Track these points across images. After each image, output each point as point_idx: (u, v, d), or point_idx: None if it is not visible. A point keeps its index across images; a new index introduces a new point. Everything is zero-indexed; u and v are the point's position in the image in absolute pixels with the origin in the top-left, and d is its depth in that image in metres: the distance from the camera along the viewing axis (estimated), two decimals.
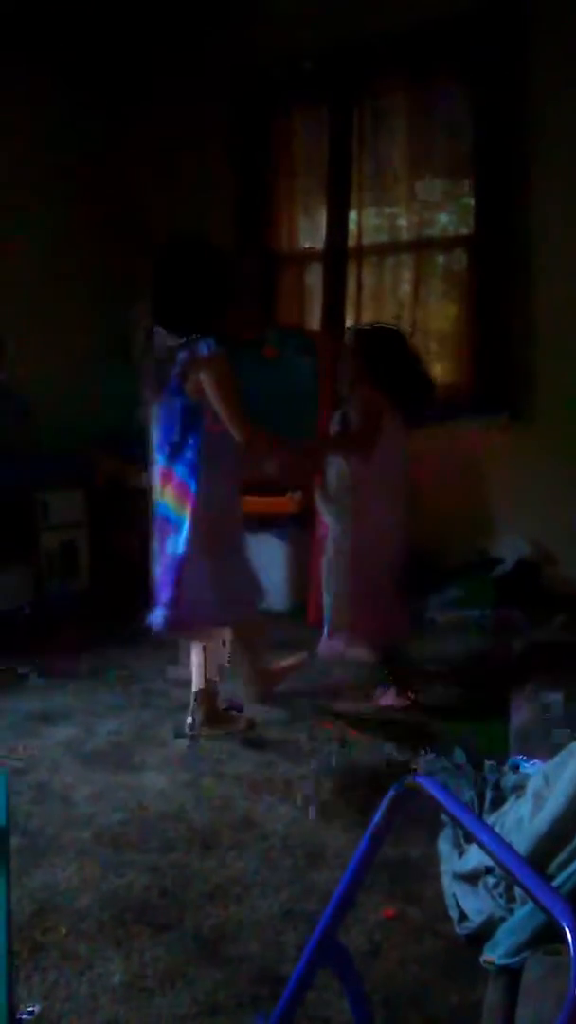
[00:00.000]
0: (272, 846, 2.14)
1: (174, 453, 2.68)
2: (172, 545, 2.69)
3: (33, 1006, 1.60)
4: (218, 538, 2.70)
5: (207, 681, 2.83)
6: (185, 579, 2.66)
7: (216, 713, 2.86)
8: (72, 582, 4.06)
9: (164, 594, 2.71)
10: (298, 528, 4.03)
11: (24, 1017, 1.56)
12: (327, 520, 3.14)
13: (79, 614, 4.00)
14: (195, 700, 2.83)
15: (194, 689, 2.84)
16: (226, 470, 2.71)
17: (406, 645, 3.22)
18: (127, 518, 4.32)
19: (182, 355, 2.61)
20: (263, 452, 2.79)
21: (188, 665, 2.91)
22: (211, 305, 2.66)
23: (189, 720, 2.82)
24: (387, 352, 3.03)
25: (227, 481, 2.76)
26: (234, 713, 2.92)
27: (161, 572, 2.74)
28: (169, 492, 2.71)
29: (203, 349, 2.59)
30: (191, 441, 2.64)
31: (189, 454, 2.65)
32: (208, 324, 2.63)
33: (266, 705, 2.98)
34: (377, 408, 2.94)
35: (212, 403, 2.59)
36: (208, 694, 2.84)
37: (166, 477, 2.71)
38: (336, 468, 3.04)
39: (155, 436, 2.75)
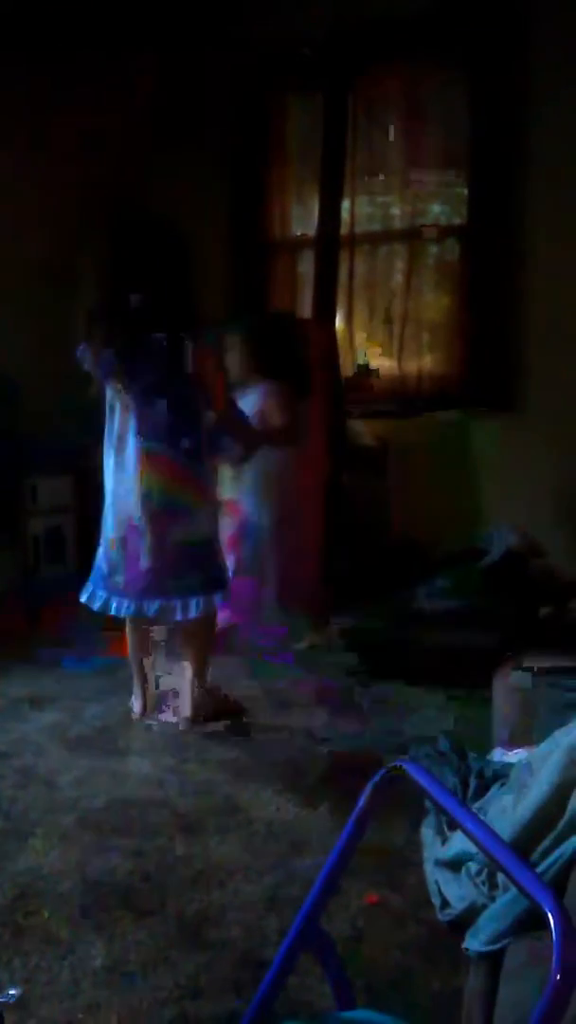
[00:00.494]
0: (256, 831, 2.15)
1: (173, 440, 2.65)
2: (183, 534, 2.67)
3: (14, 989, 1.59)
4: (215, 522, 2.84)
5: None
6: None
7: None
8: (59, 567, 4.04)
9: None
10: None
11: (5, 1000, 1.56)
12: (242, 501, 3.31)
13: (66, 599, 3.98)
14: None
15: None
16: (210, 455, 2.81)
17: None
18: None
19: (186, 345, 2.61)
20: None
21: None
22: (194, 296, 2.74)
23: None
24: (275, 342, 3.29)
25: (213, 465, 2.88)
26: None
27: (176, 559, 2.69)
28: (165, 479, 2.68)
29: (205, 339, 2.67)
30: (196, 429, 2.67)
31: (191, 442, 2.66)
32: (195, 315, 2.70)
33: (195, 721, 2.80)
34: (287, 399, 3.14)
35: (213, 389, 2.69)
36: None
37: (159, 464, 2.67)
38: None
39: (130, 421, 2.69)
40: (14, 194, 4.22)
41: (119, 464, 2.71)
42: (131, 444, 2.67)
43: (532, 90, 4.15)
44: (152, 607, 2.70)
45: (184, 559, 2.68)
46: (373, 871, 1.95)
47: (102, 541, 2.79)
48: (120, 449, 2.71)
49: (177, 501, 2.68)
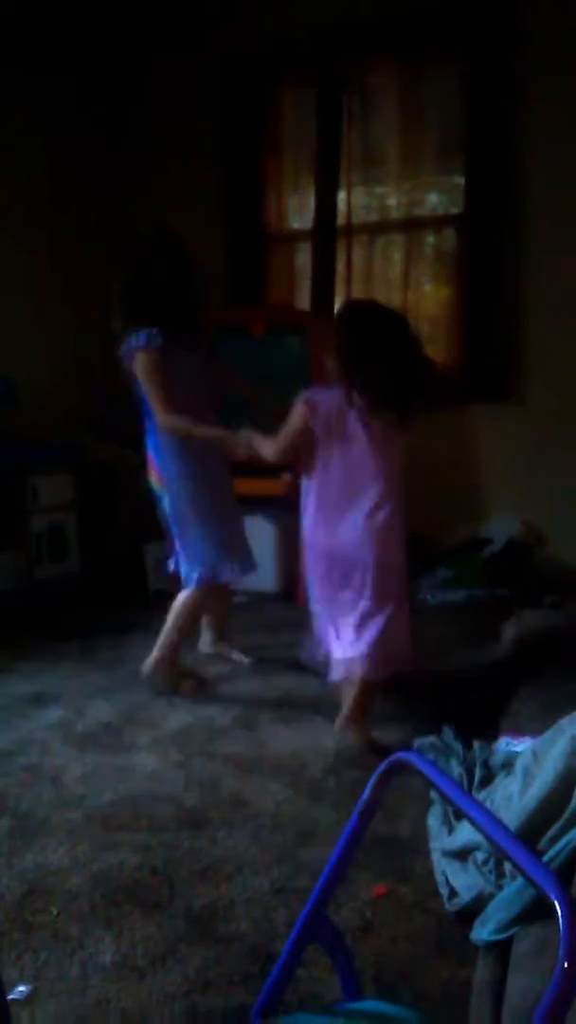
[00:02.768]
0: (263, 824, 2.15)
1: (147, 434, 3.00)
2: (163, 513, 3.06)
3: (24, 986, 1.60)
4: (183, 508, 3.00)
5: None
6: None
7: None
8: (62, 565, 4.04)
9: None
10: (287, 510, 4.01)
11: (15, 998, 1.56)
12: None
13: (69, 596, 4.00)
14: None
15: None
16: (181, 448, 2.93)
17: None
18: (118, 501, 4.32)
19: (124, 346, 2.86)
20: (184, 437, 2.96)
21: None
22: (159, 298, 2.84)
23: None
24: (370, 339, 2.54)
25: (190, 457, 2.94)
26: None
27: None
28: (150, 470, 3.06)
29: (139, 341, 2.81)
30: (149, 424, 2.95)
31: (150, 436, 2.98)
32: (157, 316, 2.83)
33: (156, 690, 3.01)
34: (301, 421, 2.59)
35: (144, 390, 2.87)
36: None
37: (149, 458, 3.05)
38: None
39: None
40: (12, 193, 4.23)
41: None
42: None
43: (527, 79, 4.13)
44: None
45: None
46: (380, 862, 1.96)
47: None
48: None
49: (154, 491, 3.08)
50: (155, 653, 3.02)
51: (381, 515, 2.54)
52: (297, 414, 2.58)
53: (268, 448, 2.68)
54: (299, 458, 2.64)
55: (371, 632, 2.53)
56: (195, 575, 3.00)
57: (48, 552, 3.97)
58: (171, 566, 3.15)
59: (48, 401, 4.19)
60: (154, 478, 3.04)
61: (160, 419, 2.86)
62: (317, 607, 2.71)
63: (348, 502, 2.56)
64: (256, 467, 2.93)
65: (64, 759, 2.52)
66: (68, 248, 4.49)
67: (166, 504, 3.02)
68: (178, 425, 2.86)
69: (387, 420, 2.52)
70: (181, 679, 3.03)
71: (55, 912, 1.82)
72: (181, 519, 3.01)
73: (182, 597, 3.04)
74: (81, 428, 4.39)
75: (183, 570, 3.04)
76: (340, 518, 2.57)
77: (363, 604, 2.55)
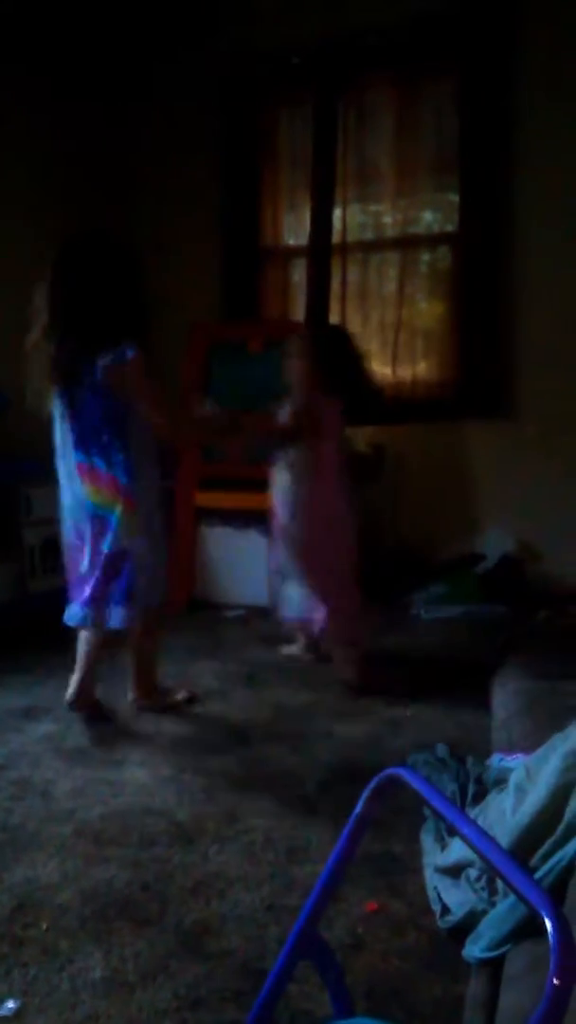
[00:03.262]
0: (255, 840, 2.14)
1: (100, 451, 2.72)
2: (106, 542, 2.74)
3: (12, 1002, 1.59)
4: (148, 528, 2.79)
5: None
6: (128, 571, 2.75)
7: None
8: (54, 577, 4.03)
9: (88, 591, 2.78)
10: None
11: (4, 1013, 1.55)
12: (279, 512, 3.22)
13: (61, 609, 3.98)
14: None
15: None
16: (151, 464, 2.81)
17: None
18: None
19: (102, 361, 2.63)
20: (191, 434, 3.03)
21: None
22: (122, 313, 2.68)
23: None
24: (337, 355, 3.19)
25: (153, 474, 2.83)
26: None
27: (88, 569, 2.78)
28: (94, 488, 2.75)
29: (129, 353, 2.62)
30: (120, 441, 2.70)
31: (119, 454, 2.71)
32: (122, 332, 2.65)
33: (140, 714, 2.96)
34: (317, 411, 3.09)
35: (136, 401, 2.68)
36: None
37: (88, 473, 2.75)
38: (288, 461, 3.15)
39: (63, 432, 2.78)
40: (6, 206, 4.24)
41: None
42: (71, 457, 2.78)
43: (521, 97, 4.17)
44: (79, 614, 2.83)
45: (97, 569, 2.77)
46: (373, 878, 1.95)
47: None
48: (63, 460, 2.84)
49: (100, 512, 2.75)
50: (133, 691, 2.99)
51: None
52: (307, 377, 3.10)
53: (293, 405, 3.08)
54: (315, 420, 3.07)
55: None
56: (156, 594, 2.86)
57: (41, 564, 3.97)
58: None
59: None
60: (107, 494, 2.75)
61: (167, 424, 2.76)
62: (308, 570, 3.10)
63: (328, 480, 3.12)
64: (251, 482, 3.08)
65: (55, 773, 2.51)
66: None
67: (113, 521, 2.74)
68: (190, 427, 2.89)
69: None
70: (168, 695, 3.02)
71: (45, 927, 1.81)
72: (146, 536, 2.79)
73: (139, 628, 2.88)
74: None
75: (137, 594, 2.79)
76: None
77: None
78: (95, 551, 2.76)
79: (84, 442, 2.73)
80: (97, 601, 2.77)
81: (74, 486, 2.78)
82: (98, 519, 2.75)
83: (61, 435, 2.79)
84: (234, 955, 1.72)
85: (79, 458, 2.75)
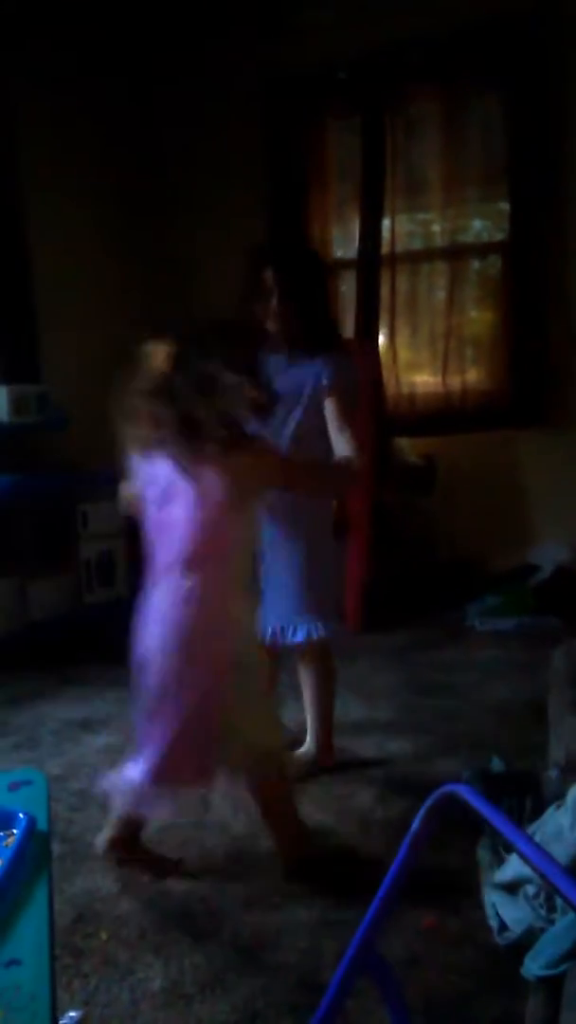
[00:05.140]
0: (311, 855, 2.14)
1: None
2: None
3: (75, 1011, 1.61)
4: None
5: None
6: None
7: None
8: (110, 591, 4.09)
9: None
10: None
11: (66, 1022, 1.58)
12: None
13: (117, 621, 4.03)
14: None
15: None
16: None
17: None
18: None
19: (312, 377, 2.41)
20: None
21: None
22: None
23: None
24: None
25: None
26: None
27: None
28: None
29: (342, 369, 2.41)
30: None
31: None
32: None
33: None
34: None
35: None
36: None
37: None
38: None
39: None
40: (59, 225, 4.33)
41: None
42: None
43: (570, 105, 4.14)
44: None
45: None
46: (429, 894, 1.94)
47: None
48: None
49: None
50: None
51: None
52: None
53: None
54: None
55: None
56: None
57: (97, 578, 4.03)
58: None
59: (98, 428, 4.25)
60: None
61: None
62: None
63: None
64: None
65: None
66: (112, 278, 4.57)
67: None
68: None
69: None
70: None
71: (105, 937, 1.84)
72: None
73: None
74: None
75: None
76: None
77: None
78: None
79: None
80: None
81: None
82: None
83: None
84: (291, 969, 1.73)
85: None
